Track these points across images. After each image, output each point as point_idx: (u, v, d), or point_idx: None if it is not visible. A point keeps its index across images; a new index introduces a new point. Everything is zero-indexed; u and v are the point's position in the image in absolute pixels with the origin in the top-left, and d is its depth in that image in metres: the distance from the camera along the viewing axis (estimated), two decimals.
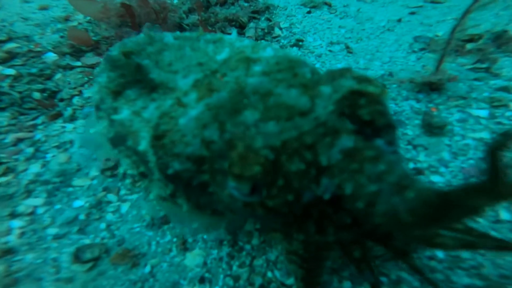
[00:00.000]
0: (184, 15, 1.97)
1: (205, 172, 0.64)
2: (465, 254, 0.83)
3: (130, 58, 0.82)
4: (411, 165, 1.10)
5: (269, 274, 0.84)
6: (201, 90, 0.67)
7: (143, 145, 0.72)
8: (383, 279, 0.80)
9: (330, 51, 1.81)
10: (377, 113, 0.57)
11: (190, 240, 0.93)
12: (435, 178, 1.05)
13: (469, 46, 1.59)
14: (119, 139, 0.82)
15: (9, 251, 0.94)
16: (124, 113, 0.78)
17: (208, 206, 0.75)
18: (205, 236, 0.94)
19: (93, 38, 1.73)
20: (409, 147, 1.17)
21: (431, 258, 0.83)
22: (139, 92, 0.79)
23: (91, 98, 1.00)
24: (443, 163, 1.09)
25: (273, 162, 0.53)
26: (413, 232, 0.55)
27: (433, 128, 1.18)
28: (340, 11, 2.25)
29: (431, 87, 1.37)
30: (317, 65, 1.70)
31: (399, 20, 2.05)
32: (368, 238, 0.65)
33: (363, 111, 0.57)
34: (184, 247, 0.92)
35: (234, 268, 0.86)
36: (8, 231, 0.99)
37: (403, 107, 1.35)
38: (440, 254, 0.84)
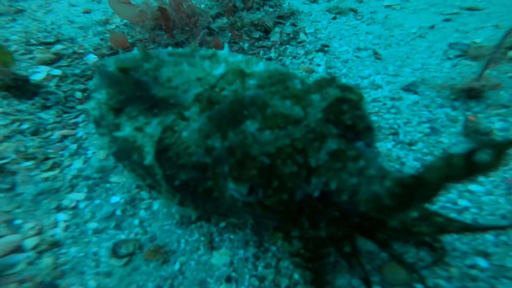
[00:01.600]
0: (211, 19, 2.03)
1: (209, 179, 0.69)
2: (510, 263, 0.79)
3: (129, 74, 0.86)
4: None
5: (296, 276, 0.84)
6: (202, 103, 0.73)
7: (149, 159, 0.76)
8: (419, 286, 0.78)
9: (357, 56, 1.78)
10: (357, 118, 0.64)
11: (217, 239, 0.95)
12: (474, 188, 1.00)
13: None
14: (123, 153, 0.86)
15: (56, 244, 0.97)
16: (127, 130, 0.82)
17: (213, 211, 0.81)
18: (231, 236, 0.96)
19: (129, 40, 1.83)
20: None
21: (471, 267, 0.79)
22: (140, 108, 0.83)
23: (89, 113, 0.99)
24: None
25: (268, 166, 0.60)
26: (394, 214, 0.61)
27: (480, 134, 1.13)
28: (367, 18, 2.21)
29: (469, 95, 1.31)
30: (344, 71, 1.68)
31: (432, 27, 1.98)
32: (355, 231, 0.70)
33: (346, 116, 0.64)
34: (211, 246, 0.93)
35: (260, 268, 0.87)
36: (55, 224, 1.03)
37: (437, 114, 1.30)
38: (482, 262, 0.80)
